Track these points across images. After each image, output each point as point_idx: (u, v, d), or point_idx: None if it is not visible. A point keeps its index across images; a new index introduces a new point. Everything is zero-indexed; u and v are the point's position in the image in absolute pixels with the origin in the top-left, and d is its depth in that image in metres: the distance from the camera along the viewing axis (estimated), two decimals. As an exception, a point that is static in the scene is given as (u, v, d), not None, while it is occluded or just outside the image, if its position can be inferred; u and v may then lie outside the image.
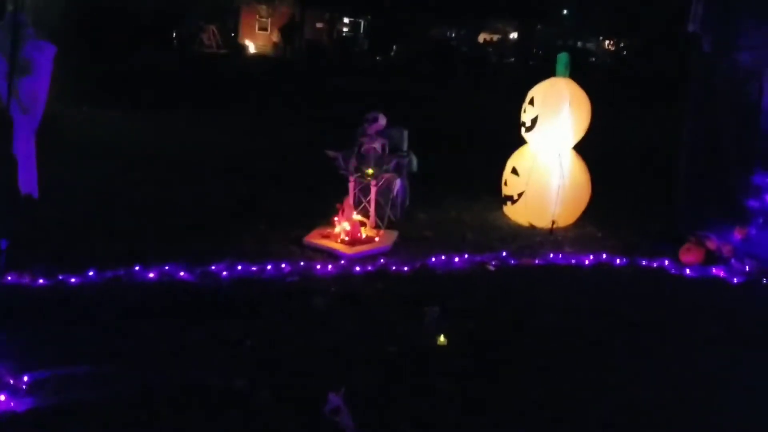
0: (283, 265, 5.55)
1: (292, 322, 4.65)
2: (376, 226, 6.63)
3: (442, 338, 4.33)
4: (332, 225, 6.35)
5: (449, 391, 3.87)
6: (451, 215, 7.41)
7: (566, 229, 7.02)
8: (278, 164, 9.33)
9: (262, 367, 4.01)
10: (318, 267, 5.59)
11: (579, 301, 5.30)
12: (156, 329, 4.44)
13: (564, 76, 6.96)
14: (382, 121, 6.88)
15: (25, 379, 3.63)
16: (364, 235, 6.29)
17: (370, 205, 6.66)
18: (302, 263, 5.62)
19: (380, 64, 15.02)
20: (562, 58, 6.97)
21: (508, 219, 7.26)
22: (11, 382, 3.61)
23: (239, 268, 5.46)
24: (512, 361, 4.27)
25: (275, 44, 35.53)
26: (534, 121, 6.91)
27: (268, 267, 5.51)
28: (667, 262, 6.04)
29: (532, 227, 7.02)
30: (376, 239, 6.29)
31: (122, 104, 12.96)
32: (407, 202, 7.20)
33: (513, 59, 38.55)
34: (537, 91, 6.98)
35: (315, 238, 6.21)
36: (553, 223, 6.90)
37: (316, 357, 4.18)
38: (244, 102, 13.96)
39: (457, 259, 5.86)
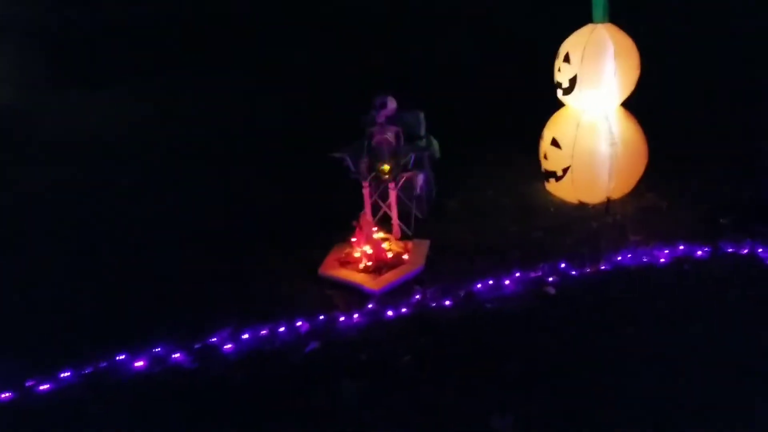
0: (299, 323, 4.29)
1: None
2: (402, 236, 5.32)
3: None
4: (350, 245, 5.05)
5: None
6: (486, 198, 6.04)
7: (623, 201, 5.64)
8: (274, 156, 7.57)
9: None
10: (342, 319, 4.32)
11: (663, 324, 4.04)
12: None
13: (603, 21, 5.42)
14: (392, 104, 5.46)
15: None
16: (390, 254, 5.00)
17: (391, 212, 5.33)
18: (321, 317, 4.34)
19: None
20: (599, -2, 5.41)
21: (552, 195, 5.88)
22: None
23: (245, 336, 4.22)
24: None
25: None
26: (573, 81, 5.43)
27: (281, 329, 4.26)
28: (760, 250, 4.68)
29: (581, 204, 5.66)
30: (405, 257, 5.00)
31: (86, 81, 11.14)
32: (434, 194, 5.84)
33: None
34: (572, 45, 5.47)
35: (332, 268, 4.92)
36: (608, 200, 5.53)
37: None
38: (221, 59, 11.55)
39: (507, 282, 4.55)
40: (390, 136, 5.33)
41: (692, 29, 8.41)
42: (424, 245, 5.16)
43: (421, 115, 5.60)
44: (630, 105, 5.65)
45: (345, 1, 10.73)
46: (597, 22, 5.41)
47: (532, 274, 4.62)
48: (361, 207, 5.28)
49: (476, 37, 9.85)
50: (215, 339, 4.22)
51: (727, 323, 3.98)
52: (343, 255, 5.04)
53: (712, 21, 8.33)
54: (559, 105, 5.78)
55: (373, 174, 5.28)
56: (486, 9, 9.79)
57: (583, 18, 5.51)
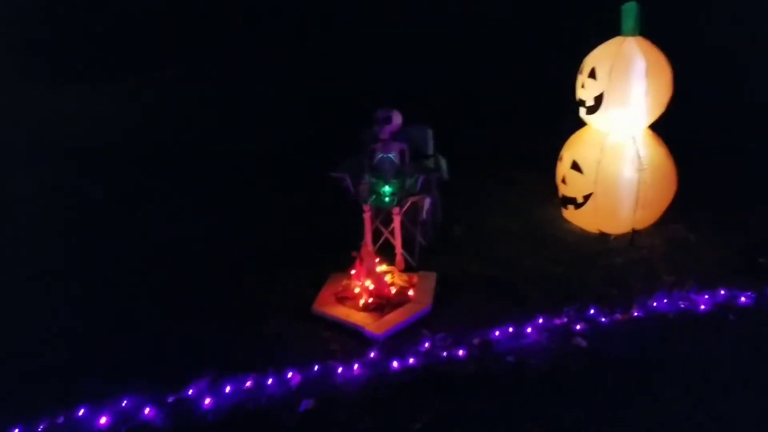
0: (290, 374, 3.66)
1: None
2: (406, 266, 4.72)
3: None
4: (348, 277, 4.44)
5: None
6: (496, 224, 5.45)
7: (648, 233, 5.08)
8: (262, 174, 6.79)
9: None
10: (339, 371, 3.69)
11: (714, 388, 3.46)
12: None
13: (633, 34, 4.85)
14: (398, 119, 4.83)
15: None
16: (393, 289, 4.39)
17: (393, 240, 4.72)
18: (316, 367, 3.71)
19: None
20: (630, 9, 4.83)
21: (569, 223, 5.31)
22: None
23: (228, 389, 3.58)
24: None
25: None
26: (599, 99, 4.86)
27: (269, 381, 3.62)
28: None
29: (602, 235, 5.09)
30: (410, 293, 4.38)
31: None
32: (440, 220, 5.23)
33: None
34: (599, 59, 4.89)
35: (328, 304, 4.31)
36: (634, 231, 4.97)
37: None
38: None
39: (529, 330, 3.95)
40: (394, 154, 4.73)
41: (728, 45, 7.88)
42: (431, 279, 4.56)
43: (430, 132, 5.00)
44: (654, 125, 5.08)
45: (351, 6, 10.08)
46: (627, 35, 4.83)
47: (557, 321, 4.01)
48: (359, 233, 4.67)
49: (487, 47, 9.25)
50: (192, 391, 3.58)
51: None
52: (340, 288, 4.43)
53: (750, 38, 7.81)
54: (577, 123, 5.21)
55: (375, 197, 4.67)
56: (499, 19, 9.19)
57: (608, 30, 4.94)
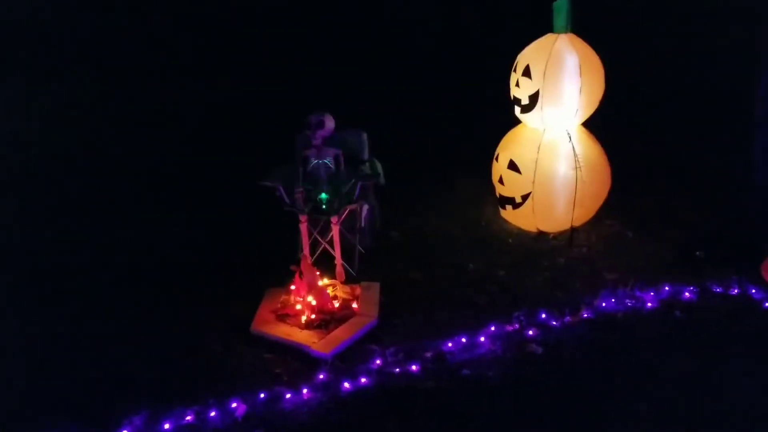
0: (234, 404, 3.37)
1: None
2: (347, 277, 4.49)
3: None
4: (286, 292, 4.18)
5: None
6: (432, 227, 5.30)
7: (584, 230, 5.04)
8: (185, 185, 6.31)
9: None
10: (288, 396, 3.43)
11: (681, 395, 3.40)
12: None
13: (565, 31, 4.78)
14: (330, 123, 4.60)
15: None
16: (336, 303, 4.16)
17: (333, 250, 4.48)
18: (262, 394, 3.44)
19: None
20: (561, 5, 4.76)
21: (508, 223, 5.21)
22: None
23: (167, 426, 3.26)
24: None
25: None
26: (534, 98, 4.77)
27: (212, 413, 3.32)
28: (754, 290, 4.16)
29: (540, 234, 5.02)
30: (354, 305, 4.16)
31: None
32: (377, 225, 5.03)
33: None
34: (533, 57, 4.79)
35: (267, 323, 4.03)
36: (573, 230, 4.92)
37: None
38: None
39: (482, 339, 3.81)
40: (329, 160, 4.50)
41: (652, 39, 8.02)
42: (374, 289, 4.35)
43: (364, 136, 4.78)
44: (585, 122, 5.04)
45: (277, 6, 9.70)
46: (558, 32, 4.76)
47: (509, 328, 3.89)
48: (290, 243, 4.41)
49: (415, 45, 9.10)
50: (126, 431, 3.24)
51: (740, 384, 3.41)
52: (279, 305, 4.16)
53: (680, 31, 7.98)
54: (509, 122, 5.12)
55: (311, 205, 4.42)
56: (430, 18, 9.05)
57: (533, 27, 4.87)
